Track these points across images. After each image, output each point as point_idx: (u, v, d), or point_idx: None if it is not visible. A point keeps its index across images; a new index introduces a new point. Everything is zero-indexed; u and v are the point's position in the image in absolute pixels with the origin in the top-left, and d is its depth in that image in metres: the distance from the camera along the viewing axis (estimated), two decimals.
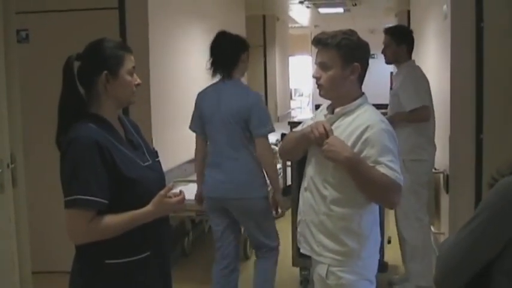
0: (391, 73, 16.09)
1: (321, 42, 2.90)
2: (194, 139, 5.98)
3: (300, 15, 14.81)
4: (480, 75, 5.09)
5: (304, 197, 3.06)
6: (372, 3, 12.71)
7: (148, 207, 2.56)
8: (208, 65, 4.57)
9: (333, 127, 2.91)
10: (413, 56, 5.71)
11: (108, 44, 2.63)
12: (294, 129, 3.22)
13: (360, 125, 2.86)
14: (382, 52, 5.52)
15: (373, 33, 18.64)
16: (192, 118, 4.73)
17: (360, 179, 2.80)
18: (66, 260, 2.86)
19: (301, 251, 3.13)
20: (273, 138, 7.69)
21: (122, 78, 2.61)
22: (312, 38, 2.96)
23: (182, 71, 6.90)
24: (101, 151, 2.46)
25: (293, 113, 18.00)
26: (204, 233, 7.12)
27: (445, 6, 5.63)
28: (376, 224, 3.02)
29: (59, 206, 2.55)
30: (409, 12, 11.97)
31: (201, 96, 4.67)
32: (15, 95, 4.44)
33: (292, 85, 18.49)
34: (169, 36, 6.43)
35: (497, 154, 4.91)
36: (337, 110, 2.96)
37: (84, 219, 2.46)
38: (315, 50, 2.98)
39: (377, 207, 3.02)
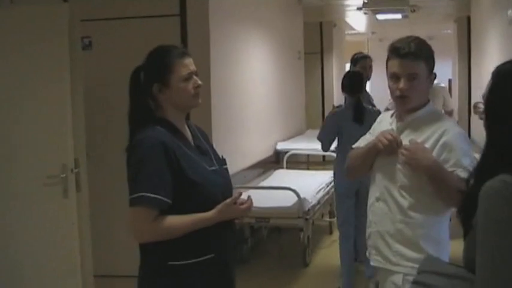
0: (450, 80, 15.94)
1: (410, 54, 2.84)
2: (253, 146, 6.00)
3: (357, 21, 14.71)
4: None
5: (376, 207, 3.01)
6: (431, 9, 12.54)
7: (213, 212, 2.57)
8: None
9: (403, 135, 2.91)
10: (475, 61, 5.70)
11: (157, 54, 2.67)
12: (353, 147, 3.21)
13: (436, 130, 2.85)
14: None
15: (431, 39, 18.48)
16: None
17: (439, 186, 2.77)
18: (127, 264, 2.89)
19: (373, 263, 3.06)
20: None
21: (174, 86, 2.62)
22: (392, 47, 2.89)
23: (243, 77, 6.92)
24: (166, 151, 2.49)
25: None
26: (263, 240, 7.11)
27: (510, 11, 5.52)
28: (448, 231, 2.99)
29: (121, 210, 2.58)
30: (469, 17, 11.80)
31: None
32: (79, 101, 4.53)
33: None
34: (229, 42, 6.45)
35: None
36: (408, 117, 2.94)
37: (149, 217, 2.48)
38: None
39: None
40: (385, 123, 3.08)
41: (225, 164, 2.83)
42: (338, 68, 13.77)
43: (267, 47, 8.17)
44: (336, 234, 7.28)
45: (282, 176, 7.48)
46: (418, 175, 2.80)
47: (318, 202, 6.57)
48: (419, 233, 2.86)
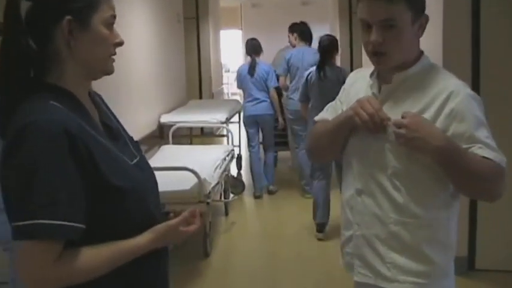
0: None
1: None
2: (137, 120, 6.23)
3: None
4: (477, 52, 4.57)
5: (359, 203, 2.21)
6: None
7: (147, 238, 1.72)
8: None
9: (389, 103, 2.12)
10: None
11: None
12: (318, 119, 2.39)
13: (438, 93, 2.05)
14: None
15: (305, 5, 18.09)
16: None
17: (457, 172, 2.00)
18: None
19: (357, 279, 2.27)
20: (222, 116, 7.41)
21: (94, 29, 1.69)
22: None
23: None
24: (73, 144, 1.56)
25: (225, 89, 17.30)
26: None
27: None
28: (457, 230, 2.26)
29: None
30: None
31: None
32: None
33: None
34: None
35: (496, 140, 4.54)
36: (395, 77, 2.12)
37: (50, 255, 1.55)
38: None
39: None
40: (361, 86, 2.25)
41: (141, 149, 1.96)
42: (214, 34, 13.01)
43: (146, 8, 7.25)
44: (233, 216, 6.87)
45: (171, 153, 6.59)
46: (416, 158, 2.04)
47: (218, 182, 5.77)
48: (421, 235, 2.11)
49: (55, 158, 1.53)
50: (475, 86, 4.48)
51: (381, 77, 2.18)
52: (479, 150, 1.98)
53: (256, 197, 7.56)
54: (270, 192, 7.73)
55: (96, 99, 1.87)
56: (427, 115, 2.02)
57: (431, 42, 4.93)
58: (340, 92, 2.37)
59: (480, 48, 4.57)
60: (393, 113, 2.05)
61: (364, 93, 2.19)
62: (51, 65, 1.67)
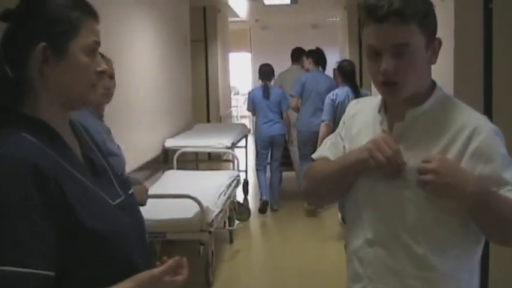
0: (334, 69, 15.40)
1: (393, 13, 1.75)
2: (140, 144, 6.20)
3: (241, 7, 13.87)
4: (489, 68, 4.39)
5: (370, 255, 1.95)
6: None
7: (126, 287, 1.53)
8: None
9: (404, 143, 1.89)
10: None
11: (56, 0, 1.58)
12: (316, 157, 2.15)
13: (460, 130, 1.83)
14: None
15: (315, 28, 18.01)
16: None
17: (490, 217, 1.79)
18: None
19: None
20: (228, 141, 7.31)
21: (71, 57, 1.55)
22: (366, 5, 1.80)
23: (126, 64, 5.86)
24: (44, 183, 1.42)
25: (234, 112, 17.19)
26: (156, 256, 6.05)
27: None
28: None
29: None
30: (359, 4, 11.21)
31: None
32: None
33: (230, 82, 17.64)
34: (113, 27, 5.37)
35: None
36: (409, 112, 1.90)
37: None
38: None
39: None
40: (365, 121, 2.02)
41: (130, 187, 1.80)
42: (222, 57, 12.90)
43: (152, 30, 7.14)
44: (238, 244, 6.70)
45: (174, 179, 6.47)
46: (440, 205, 1.81)
47: (221, 210, 5.61)
48: None
49: (22, 199, 1.39)
50: (487, 114, 4.33)
51: (389, 111, 1.96)
52: (509, 193, 1.77)
53: (262, 204, 7.94)
54: (273, 210, 8.03)
55: (79, 130, 1.72)
56: (449, 156, 1.81)
57: (439, 69, 4.82)
58: (340, 126, 2.14)
59: (492, 76, 4.42)
60: (410, 154, 1.85)
61: (370, 130, 1.97)
62: (24, 93, 1.54)
